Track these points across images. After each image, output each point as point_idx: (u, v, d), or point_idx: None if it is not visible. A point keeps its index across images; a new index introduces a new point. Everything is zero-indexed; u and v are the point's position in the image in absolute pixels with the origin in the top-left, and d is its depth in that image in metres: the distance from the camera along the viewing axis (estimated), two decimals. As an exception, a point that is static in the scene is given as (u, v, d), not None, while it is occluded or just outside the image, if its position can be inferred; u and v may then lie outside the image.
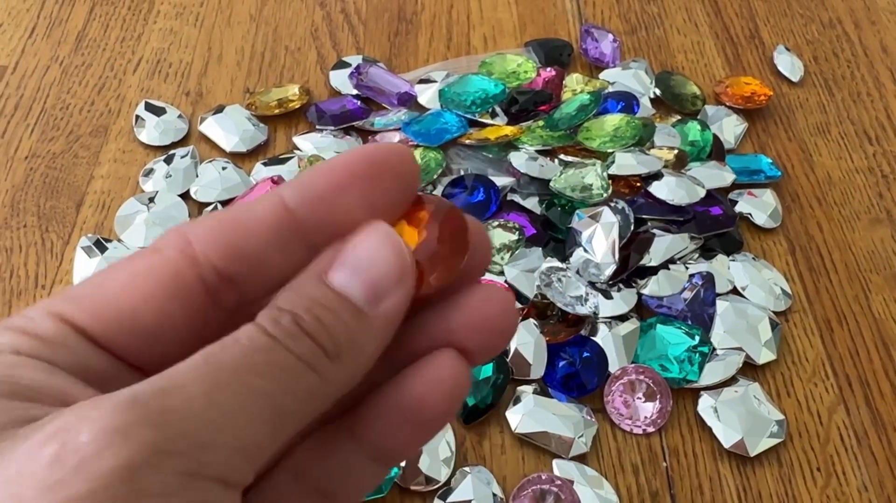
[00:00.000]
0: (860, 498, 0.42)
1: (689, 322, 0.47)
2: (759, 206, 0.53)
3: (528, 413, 0.43)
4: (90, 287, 0.17)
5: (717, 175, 0.53)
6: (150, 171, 0.55)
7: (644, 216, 0.50)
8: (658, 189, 0.51)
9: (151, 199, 0.53)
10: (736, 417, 0.43)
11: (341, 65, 0.62)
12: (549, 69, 0.60)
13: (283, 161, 0.55)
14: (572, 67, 0.63)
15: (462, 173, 0.54)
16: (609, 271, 0.48)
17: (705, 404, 0.44)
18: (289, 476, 0.18)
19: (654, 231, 0.50)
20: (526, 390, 0.45)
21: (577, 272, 0.48)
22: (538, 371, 0.45)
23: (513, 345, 0.45)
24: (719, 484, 0.42)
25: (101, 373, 0.17)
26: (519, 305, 0.47)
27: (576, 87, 0.60)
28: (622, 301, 0.48)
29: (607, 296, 0.48)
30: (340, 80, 0.60)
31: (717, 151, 0.56)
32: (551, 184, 0.51)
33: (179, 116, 0.58)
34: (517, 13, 0.67)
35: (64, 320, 0.17)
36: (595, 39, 0.63)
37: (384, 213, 0.18)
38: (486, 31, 0.65)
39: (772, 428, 0.43)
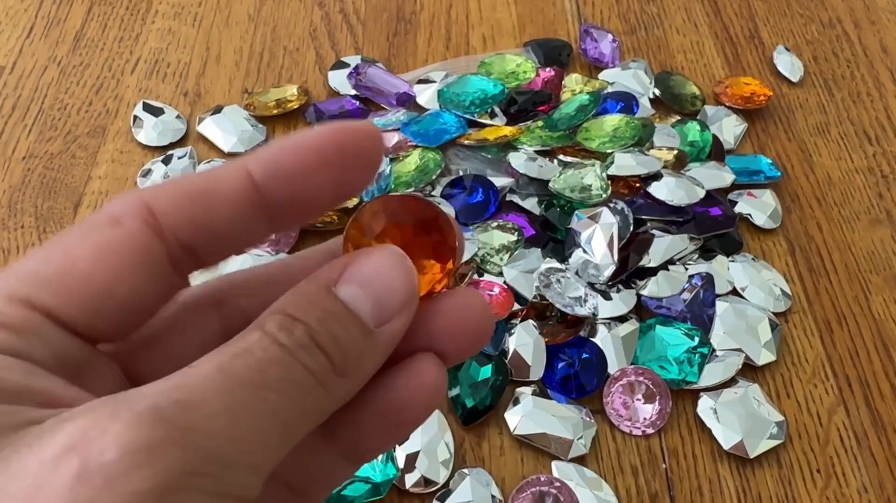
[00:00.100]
0: (860, 499, 0.42)
1: (689, 323, 0.47)
2: (758, 207, 0.53)
3: (527, 414, 0.43)
4: (52, 265, 0.16)
5: (716, 175, 0.53)
6: (149, 171, 0.55)
7: (643, 217, 0.50)
8: (657, 189, 0.51)
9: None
10: (735, 419, 0.43)
11: (340, 65, 0.61)
12: (548, 69, 0.60)
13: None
14: (571, 68, 0.63)
15: (461, 174, 0.54)
16: (608, 272, 0.48)
17: (705, 405, 0.44)
18: None
19: (654, 232, 0.50)
20: (525, 391, 0.44)
21: (577, 273, 0.48)
22: (537, 372, 0.45)
23: (512, 347, 0.45)
24: (719, 485, 0.42)
25: (74, 362, 0.16)
26: (518, 306, 0.47)
27: (575, 87, 0.59)
28: (621, 302, 0.47)
29: (606, 297, 0.48)
30: (339, 81, 0.60)
31: (716, 152, 0.56)
32: (550, 184, 0.51)
33: (177, 117, 0.58)
34: (516, 13, 0.67)
35: (32, 306, 0.16)
36: (594, 39, 0.63)
37: (348, 189, 0.18)
38: (485, 31, 0.65)
39: (771, 429, 0.43)
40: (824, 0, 0.68)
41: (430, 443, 0.42)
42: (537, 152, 0.54)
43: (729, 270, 0.50)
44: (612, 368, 0.45)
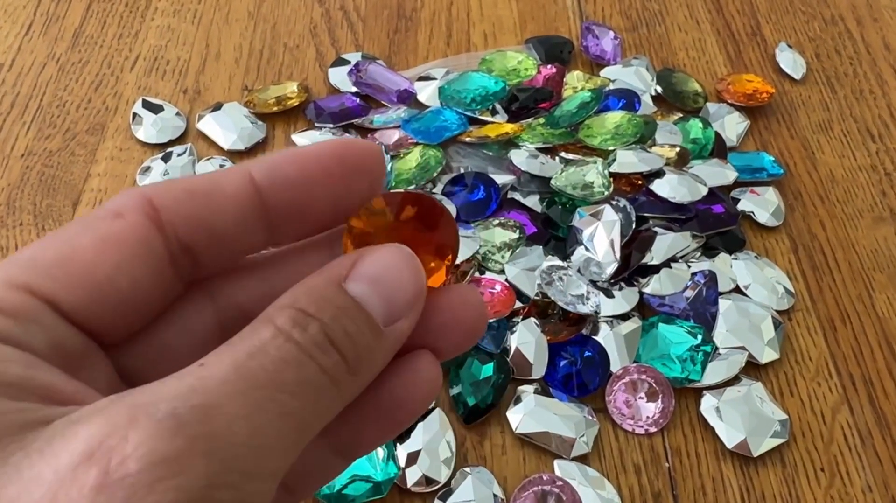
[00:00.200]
0: (864, 498, 0.42)
1: (692, 321, 0.47)
2: (761, 204, 0.53)
3: (528, 413, 0.43)
4: (54, 253, 0.16)
5: (719, 173, 0.53)
6: (148, 168, 0.54)
7: (646, 214, 0.50)
8: (660, 187, 0.51)
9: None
10: (739, 417, 0.43)
11: (340, 62, 0.61)
12: (549, 66, 0.60)
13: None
14: (573, 65, 0.62)
15: (462, 171, 0.53)
16: (610, 270, 0.48)
17: (708, 404, 0.44)
18: None
19: (656, 229, 0.49)
20: (527, 390, 0.44)
21: (579, 271, 0.48)
22: (539, 370, 0.45)
23: (513, 345, 0.45)
24: (722, 484, 0.42)
25: (72, 353, 0.16)
26: (519, 304, 0.47)
27: (576, 84, 0.59)
28: (624, 300, 0.47)
29: (609, 294, 0.47)
30: (339, 78, 0.60)
31: (718, 149, 0.55)
32: (552, 182, 0.51)
33: (177, 114, 0.58)
34: (517, 10, 0.66)
35: (32, 293, 0.15)
36: (596, 36, 0.63)
37: (348, 207, 0.18)
38: (486, 28, 0.65)
39: (775, 428, 0.43)
40: (827, -3, 0.68)
41: (431, 441, 0.42)
42: (539, 149, 0.54)
43: (732, 268, 0.49)
44: (615, 367, 0.45)
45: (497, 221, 0.50)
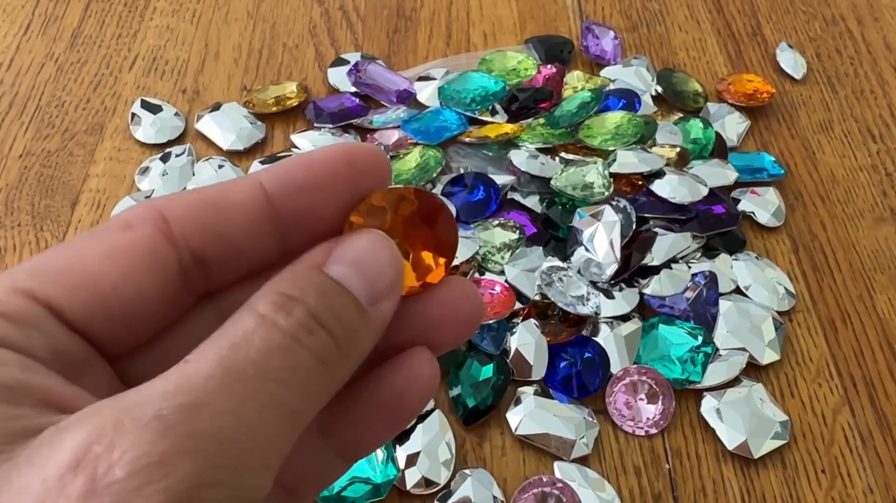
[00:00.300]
0: (865, 500, 0.42)
1: (692, 322, 0.47)
2: (761, 205, 0.53)
3: (528, 414, 0.43)
4: (60, 261, 0.16)
5: (719, 173, 0.53)
6: (146, 169, 0.54)
7: (646, 215, 0.50)
8: (660, 187, 0.50)
9: (147, 198, 0.52)
10: (739, 418, 0.43)
11: (340, 62, 0.61)
12: (549, 66, 0.60)
13: (280, 159, 0.54)
14: (573, 65, 0.62)
15: (462, 171, 0.53)
16: (610, 270, 0.47)
17: (708, 405, 0.44)
18: None
19: (656, 230, 0.49)
20: (527, 391, 0.44)
21: (579, 271, 0.48)
22: (539, 372, 0.45)
23: (513, 346, 0.45)
24: (723, 486, 0.42)
25: (72, 359, 0.16)
26: (519, 305, 0.47)
27: (577, 84, 0.59)
28: (624, 301, 0.47)
29: (609, 295, 0.47)
30: (339, 78, 0.60)
31: (719, 149, 0.55)
32: (552, 182, 0.51)
33: (176, 114, 0.58)
34: (517, 10, 0.66)
35: (35, 298, 0.15)
36: (596, 36, 0.63)
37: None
38: (486, 27, 0.65)
39: (776, 429, 0.43)
40: (827, -3, 0.68)
41: (430, 443, 0.42)
42: (539, 150, 0.54)
43: (732, 269, 0.49)
44: (615, 368, 0.45)
45: (497, 222, 0.50)
